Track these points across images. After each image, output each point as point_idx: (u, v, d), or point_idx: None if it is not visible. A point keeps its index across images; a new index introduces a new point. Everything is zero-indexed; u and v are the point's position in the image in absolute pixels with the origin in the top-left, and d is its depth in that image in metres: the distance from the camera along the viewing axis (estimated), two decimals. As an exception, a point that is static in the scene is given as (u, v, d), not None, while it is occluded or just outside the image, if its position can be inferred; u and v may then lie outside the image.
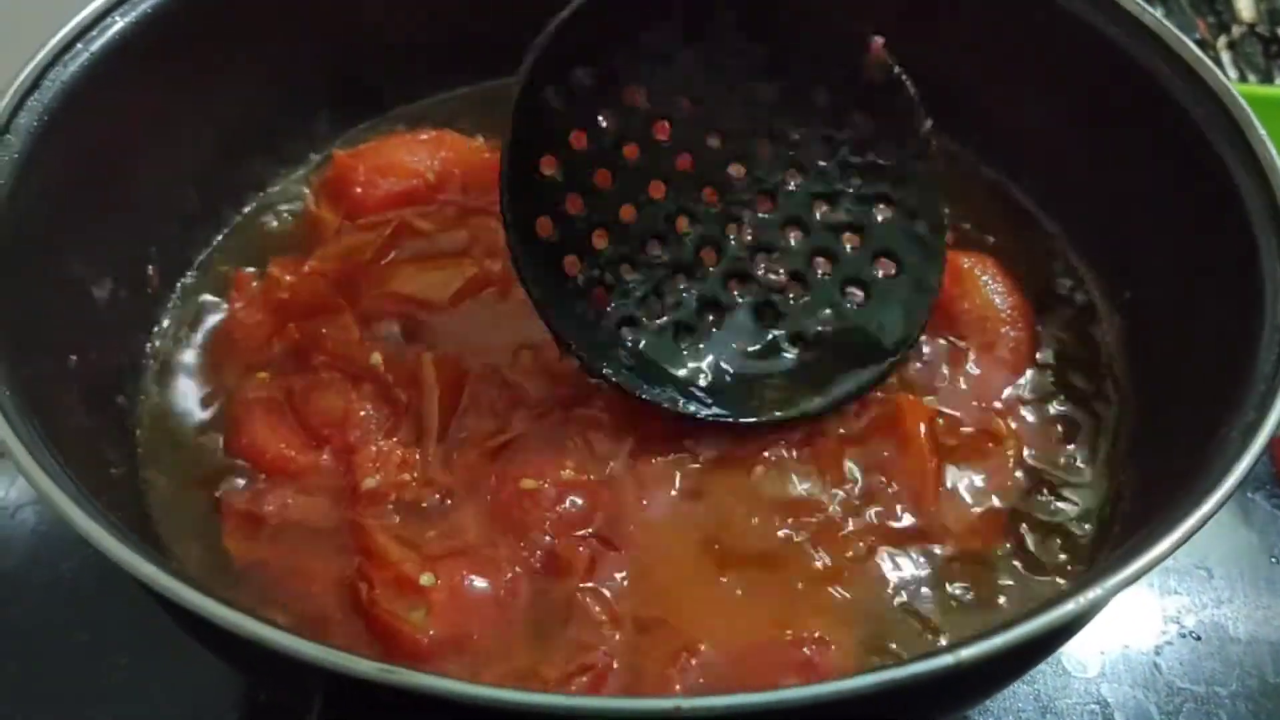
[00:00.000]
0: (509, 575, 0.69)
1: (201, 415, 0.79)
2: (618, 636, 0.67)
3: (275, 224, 0.91)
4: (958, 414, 0.79)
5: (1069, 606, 0.55)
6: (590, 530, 0.71)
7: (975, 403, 0.80)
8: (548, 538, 0.70)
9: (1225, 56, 1.34)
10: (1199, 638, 0.84)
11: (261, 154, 0.92)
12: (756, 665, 0.67)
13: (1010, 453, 0.77)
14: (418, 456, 0.74)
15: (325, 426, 0.75)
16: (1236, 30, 1.37)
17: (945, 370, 0.81)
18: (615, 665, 0.66)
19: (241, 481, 0.75)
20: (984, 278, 0.84)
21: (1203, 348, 0.74)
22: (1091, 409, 0.81)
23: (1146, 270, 0.83)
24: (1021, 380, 0.81)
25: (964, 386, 0.80)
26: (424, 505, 0.72)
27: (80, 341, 0.75)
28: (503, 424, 0.76)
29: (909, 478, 0.75)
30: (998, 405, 0.80)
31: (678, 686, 0.65)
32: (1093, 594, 0.55)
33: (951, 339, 0.82)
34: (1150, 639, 0.84)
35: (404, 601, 0.67)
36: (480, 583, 0.68)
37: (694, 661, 0.66)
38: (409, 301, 0.82)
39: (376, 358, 0.78)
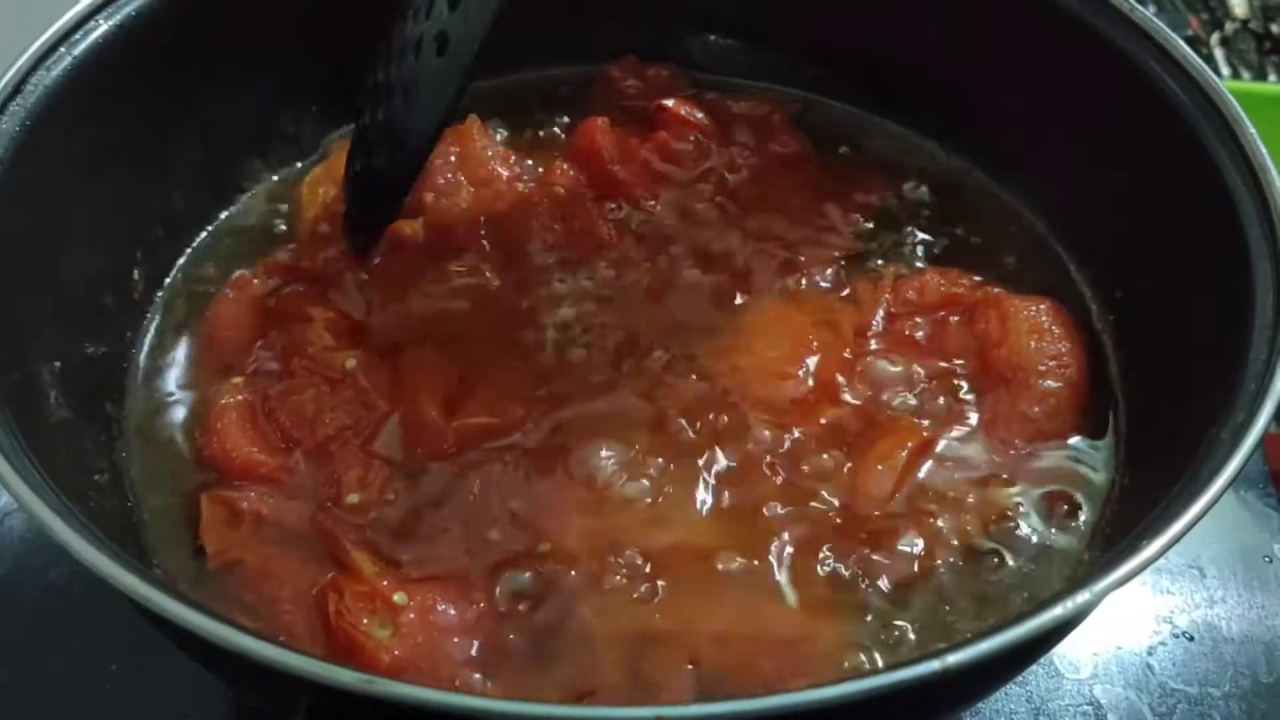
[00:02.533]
0: (482, 607, 0.69)
1: (186, 420, 0.79)
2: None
3: (260, 226, 0.90)
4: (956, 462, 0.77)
5: (1058, 610, 0.54)
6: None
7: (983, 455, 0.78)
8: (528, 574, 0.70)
9: (1218, 53, 1.34)
10: (1192, 638, 0.83)
11: (247, 156, 0.92)
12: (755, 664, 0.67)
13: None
14: (403, 481, 0.74)
15: (296, 428, 0.76)
16: (1229, 27, 1.37)
17: (960, 416, 0.79)
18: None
19: (222, 482, 0.75)
20: (1027, 324, 0.80)
21: (1194, 346, 0.74)
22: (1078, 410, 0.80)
23: (1137, 269, 0.83)
24: (1052, 446, 0.78)
25: (978, 437, 0.78)
26: (405, 526, 0.72)
27: (64, 348, 0.75)
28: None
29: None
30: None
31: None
32: (1082, 598, 0.55)
33: (977, 385, 0.80)
34: (1143, 639, 0.83)
35: (373, 618, 0.67)
36: (451, 610, 0.68)
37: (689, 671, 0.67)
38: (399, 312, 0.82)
39: (351, 363, 0.78)
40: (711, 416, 0.78)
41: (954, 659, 0.52)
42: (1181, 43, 0.78)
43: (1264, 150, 0.72)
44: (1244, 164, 0.72)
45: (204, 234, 0.89)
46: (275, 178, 0.93)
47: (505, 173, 0.90)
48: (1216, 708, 0.80)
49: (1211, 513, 0.58)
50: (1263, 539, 0.89)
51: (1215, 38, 1.35)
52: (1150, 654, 0.82)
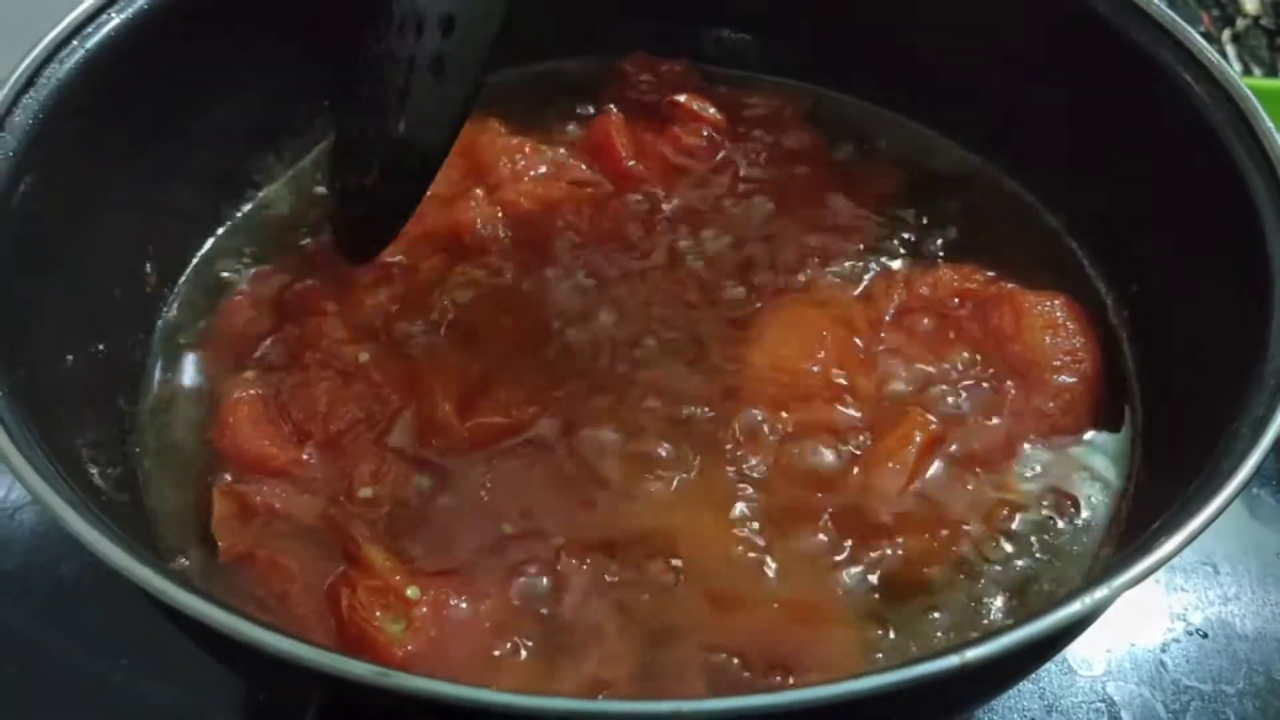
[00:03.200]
0: (495, 601, 0.68)
1: (199, 414, 0.79)
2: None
3: (273, 221, 0.90)
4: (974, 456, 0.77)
5: (1076, 606, 0.54)
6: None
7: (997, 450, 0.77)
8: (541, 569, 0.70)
9: (1230, 49, 1.34)
10: (1205, 635, 0.83)
11: (260, 150, 0.91)
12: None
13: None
14: (416, 475, 0.74)
15: (308, 422, 0.75)
16: (1241, 23, 1.36)
17: (974, 411, 0.78)
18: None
19: (234, 476, 0.75)
20: (1042, 320, 0.80)
21: (1211, 341, 0.73)
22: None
23: (1153, 263, 0.82)
24: (1067, 441, 0.78)
25: (991, 432, 0.78)
26: (418, 521, 0.72)
27: (77, 342, 0.75)
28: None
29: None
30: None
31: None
32: (1100, 594, 0.54)
33: (990, 380, 0.80)
34: (1156, 636, 0.83)
35: (386, 613, 0.67)
36: (464, 604, 0.68)
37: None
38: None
39: (364, 356, 0.78)
40: (725, 413, 0.78)
41: (973, 654, 0.51)
42: (1197, 35, 0.78)
43: (1279, 142, 0.72)
44: (1261, 158, 0.72)
45: (217, 228, 0.89)
46: (289, 172, 0.93)
47: (529, 171, 0.90)
48: (1231, 705, 0.80)
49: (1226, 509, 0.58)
50: (1277, 536, 0.88)
51: (1227, 34, 1.34)
52: (1164, 651, 0.82)
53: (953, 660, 0.51)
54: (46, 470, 0.59)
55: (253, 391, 0.77)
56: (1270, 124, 0.73)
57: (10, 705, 0.79)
